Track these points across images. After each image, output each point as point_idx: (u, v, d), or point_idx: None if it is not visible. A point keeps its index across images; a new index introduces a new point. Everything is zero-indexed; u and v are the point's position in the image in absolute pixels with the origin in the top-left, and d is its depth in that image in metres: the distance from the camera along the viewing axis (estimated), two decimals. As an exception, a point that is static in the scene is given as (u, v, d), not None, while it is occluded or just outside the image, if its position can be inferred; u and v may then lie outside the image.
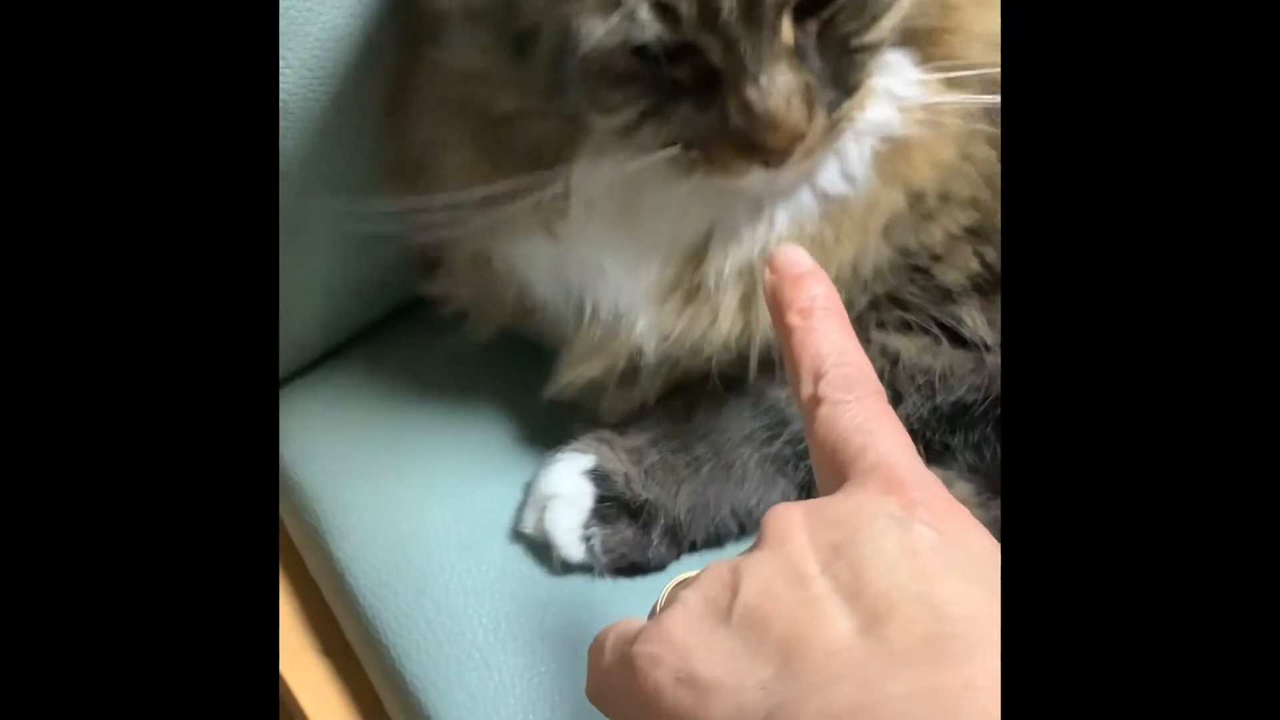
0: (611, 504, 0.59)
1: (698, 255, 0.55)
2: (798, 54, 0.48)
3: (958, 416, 0.58)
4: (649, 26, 0.46)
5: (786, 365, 0.42)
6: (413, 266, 0.64)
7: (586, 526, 0.59)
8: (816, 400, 0.40)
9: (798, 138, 0.48)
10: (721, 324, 0.55)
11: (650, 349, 0.56)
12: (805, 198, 0.54)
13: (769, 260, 0.44)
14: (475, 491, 0.62)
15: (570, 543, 0.58)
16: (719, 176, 0.50)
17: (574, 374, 0.59)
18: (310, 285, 0.63)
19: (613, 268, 0.56)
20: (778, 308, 0.43)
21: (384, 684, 0.61)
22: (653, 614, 0.41)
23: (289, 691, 0.63)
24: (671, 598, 0.38)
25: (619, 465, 0.59)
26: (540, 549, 0.60)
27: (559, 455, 0.60)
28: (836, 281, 0.53)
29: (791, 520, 0.37)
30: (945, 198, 0.56)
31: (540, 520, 0.59)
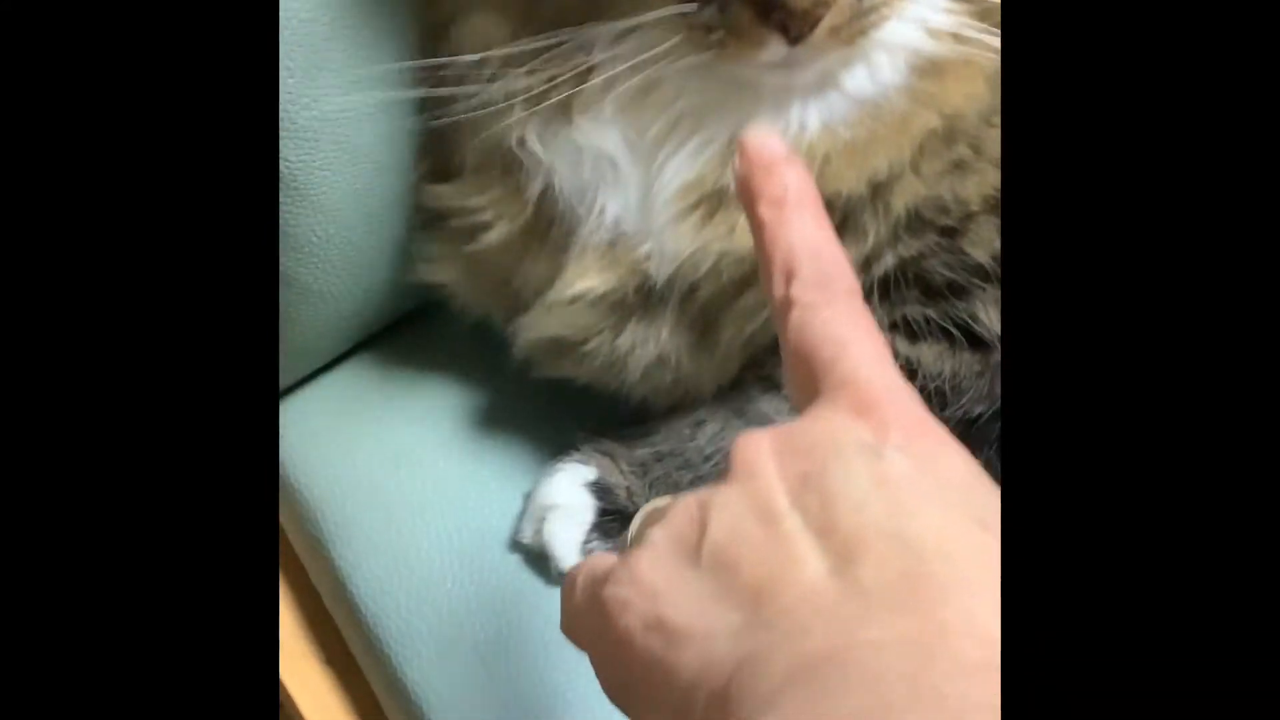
0: (614, 517, 0.59)
1: (716, 159, 0.52)
2: None
3: (964, 431, 0.57)
4: None
5: (759, 262, 0.40)
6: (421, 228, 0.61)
7: (587, 540, 0.58)
8: (788, 302, 0.38)
9: (822, 4, 0.45)
10: (739, 236, 0.52)
11: (662, 270, 0.54)
12: (835, 99, 0.51)
13: (739, 144, 0.40)
14: (477, 501, 0.62)
15: (569, 554, 0.58)
16: (735, 49, 0.47)
17: (580, 285, 0.55)
18: (318, 288, 0.63)
19: (627, 165, 0.53)
20: (748, 198, 0.39)
21: (385, 692, 0.61)
22: (624, 547, 0.40)
23: (290, 699, 0.63)
24: (640, 535, 0.37)
25: (621, 479, 0.59)
26: (540, 559, 0.60)
27: (560, 465, 0.60)
28: (868, 206, 0.52)
29: (760, 449, 0.35)
30: (978, 149, 0.53)
31: (539, 531, 0.59)
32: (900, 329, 0.57)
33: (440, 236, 0.59)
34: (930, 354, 0.57)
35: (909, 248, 0.54)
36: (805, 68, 0.49)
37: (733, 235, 0.52)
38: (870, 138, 0.51)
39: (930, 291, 0.56)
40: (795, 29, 0.46)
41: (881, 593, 0.31)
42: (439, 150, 0.58)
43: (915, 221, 0.54)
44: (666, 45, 0.48)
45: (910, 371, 0.57)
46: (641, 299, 0.55)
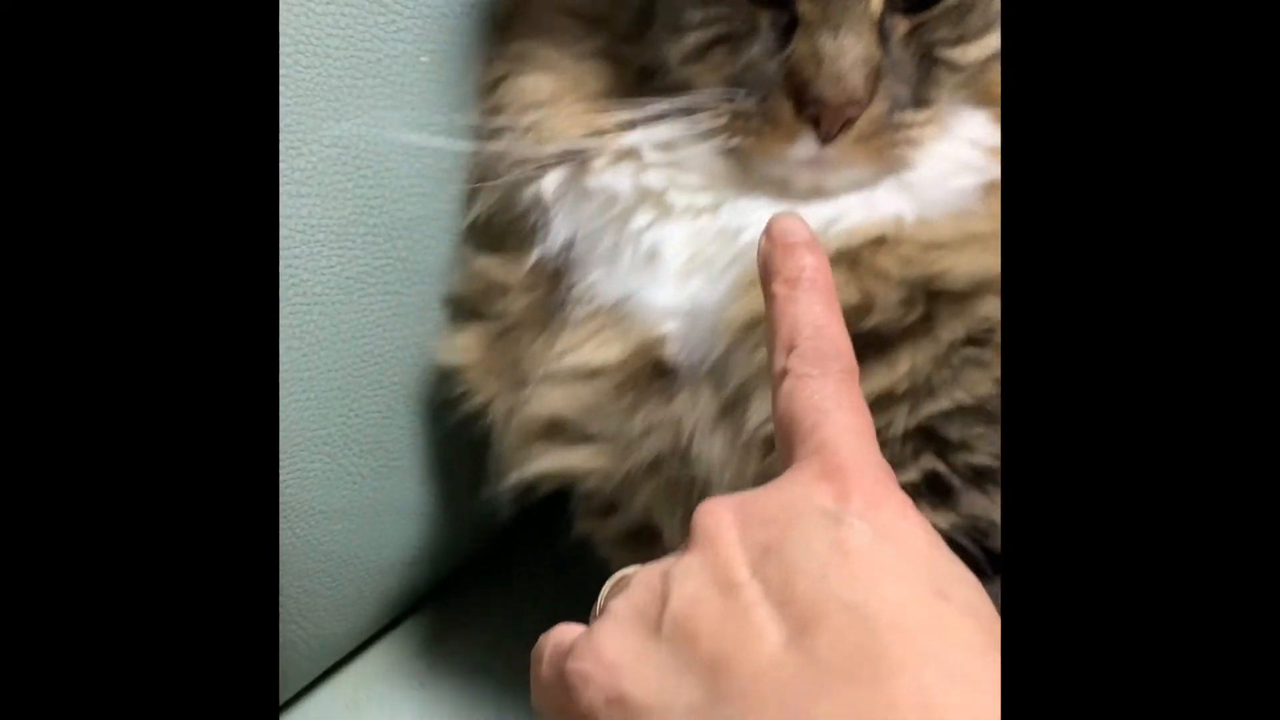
0: None
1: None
2: (880, 33, 0.48)
3: None
4: None
5: (766, 339, 0.41)
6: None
7: None
8: (783, 373, 0.39)
9: (855, 104, 0.48)
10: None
11: (696, 342, 0.52)
12: (914, 197, 0.51)
13: (766, 227, 0.42)
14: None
15: None
16: (770, 140, 0.49)
17: (582, 356, 0.53)
18: (410, 501, 0.63)
19: (649, 226, 0.52)
20: (766, 275, 0.42)
21: None
22: (593, 617, 0.40)
23: None
24: (604, 605, 0.38)
25: None
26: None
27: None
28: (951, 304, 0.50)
29: (721, 519, 0.36)
30: None
31: None
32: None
33: (467, 323, 0.59)
34: None
35: (950, 394, 0.51)
36: (835, 171, 0.50)
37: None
38: (962, 240, 0.51)
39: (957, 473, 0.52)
40: (827, 125, 0.48)
41: (836, 665, 0.31)
42: (482, 231, 0.58)
43: (954, 360, 0.51)
44: (708, 127, 0.50)
45: None
46: (657, 377, 0.53)
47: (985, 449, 0.51)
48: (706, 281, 0.52)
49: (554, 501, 0.59)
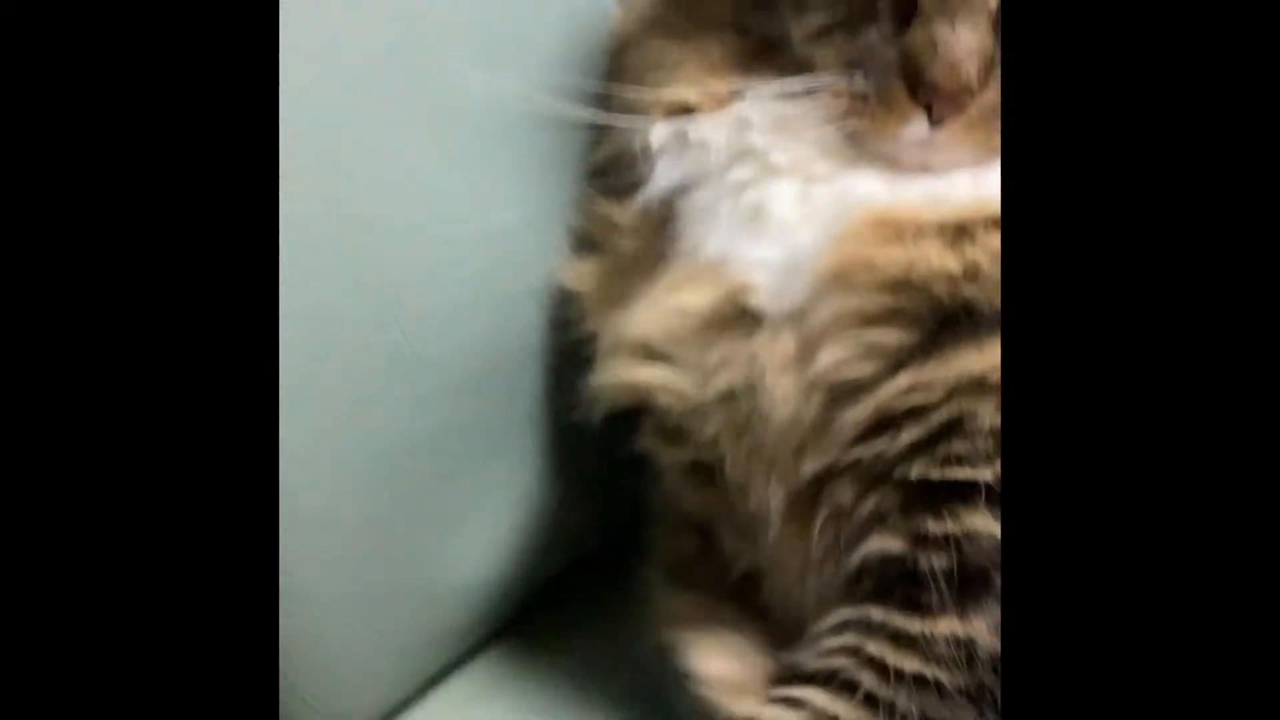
0: None
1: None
2: (996, 26, 0.50)
3: None
4: None
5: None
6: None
7: None
8: None
9: (967, 91, 0.50)
10: (923, 251, 0.50)
11: (791, 282, 0.52)
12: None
13: None
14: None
15: None
16: (883, 121, 0.51)
17: (680, 298, 0.55)
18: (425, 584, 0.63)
19: (755, 175, 0.54)
20: None
21: None
22: None
23: None
24: None
25: None
26: None
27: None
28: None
29: None
30: None
31: None
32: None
33: (587, 255, 0.62)
34: (985, 626, 0.51)
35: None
36: (943, 152, 0.52)
37: (908, 258, 0.51)
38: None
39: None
40: (939, 111, 0.50)
41: None
42: (600, 174, 0.62)
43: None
44: (827, 106, 0.53)
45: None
46: (740, 317, 0.54)
47: None
48: (811, 235, 0.53)
49: (568, 585, 0.63)
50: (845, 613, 0.53)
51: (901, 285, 0.51)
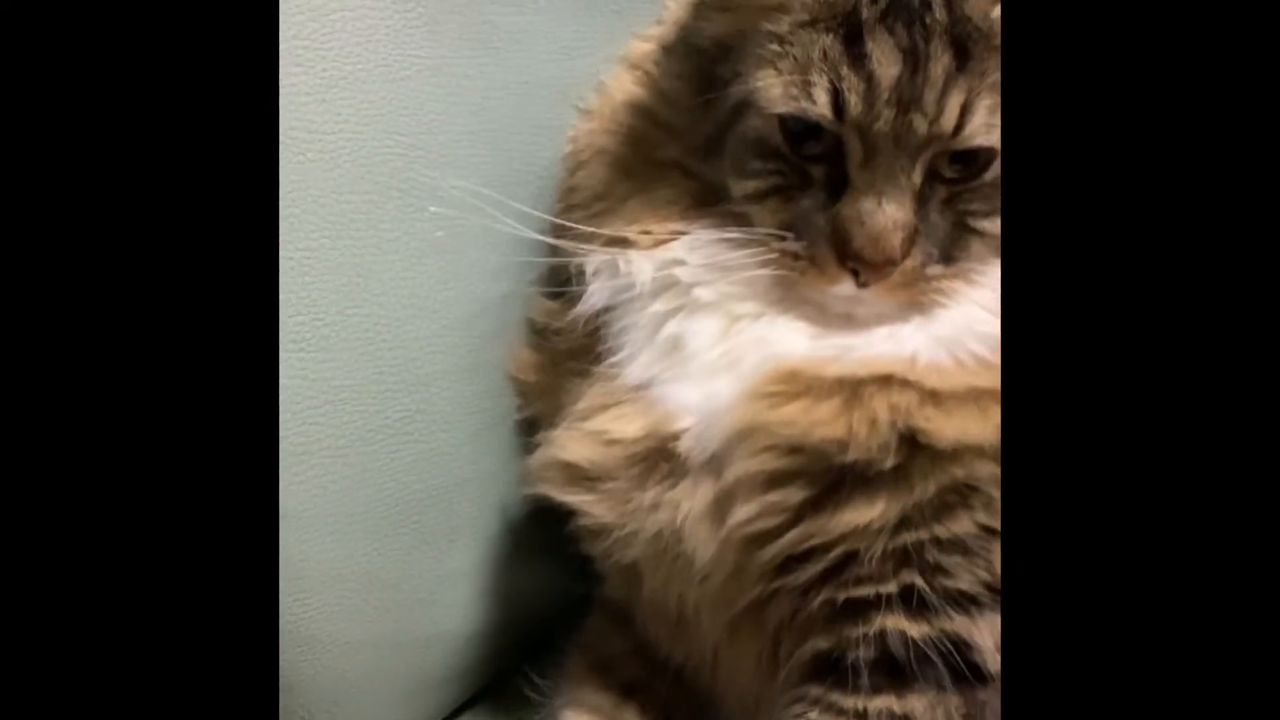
0: None
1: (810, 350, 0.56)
2: (919, 200, 0.54)
3: None
4: (820, 107, 0.53)
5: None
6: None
7: None
8: None
9: (890, 263, 0.54)
10: (818, 415, 0.55)
11: (708, 436, 0.56)
12: (936, 341, 0.56)
13: None
14: None
15: None
16: (813, 278, 0.55)
17: (603, 423, 0.59)
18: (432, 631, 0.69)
19: (684, 327, 0.58)
20: None
21: None
22: None
23: None
24: None
25: None
26: None
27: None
28: (928, 464, 0.54)
29: None
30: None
31: None
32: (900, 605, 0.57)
33: (534, 344, 0.67)
34: (920, 705, 0.56)
35: (934, 524, 0.56)
36: (868, 305, 0.56)
37: (802, 423, 0.55)
38: (962, 397, 0.55)
39: (935, 593, 0.56)
40: (864, 276, 0.55)
41: None
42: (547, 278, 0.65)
43: (943, 499, 0.55)
44: (760, 257, 0.56)
45: None
46: (667, 459, 0.58)
47: (965, 576, 0.56)
48: (727, 382, 0.57)
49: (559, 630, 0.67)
50: (790, 695, 0.59)
51: (797, 449, 0.55)
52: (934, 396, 0.54)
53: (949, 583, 0.56)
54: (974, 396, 0.54)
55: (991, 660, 0.56)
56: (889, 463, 0.54)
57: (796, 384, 0.55)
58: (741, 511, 0.56)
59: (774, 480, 0.56)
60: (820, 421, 0.54)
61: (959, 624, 0.56)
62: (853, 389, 0.55)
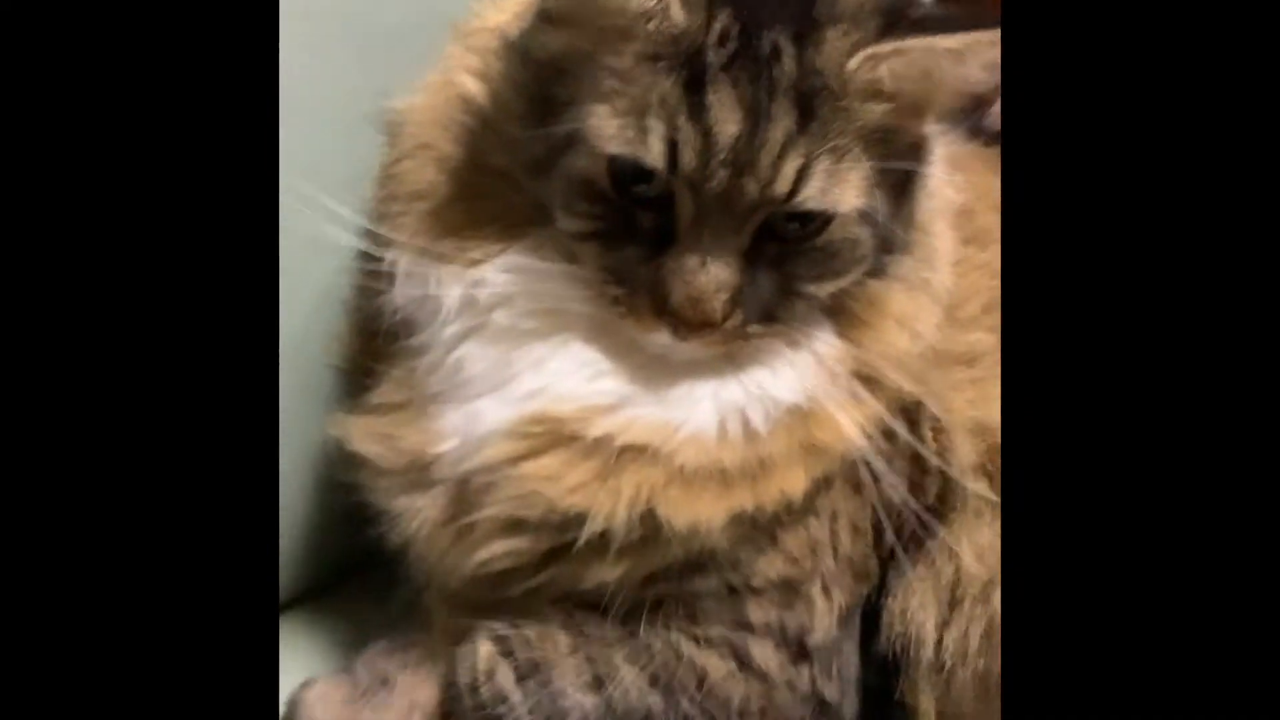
0: None
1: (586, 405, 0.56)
2: (747, 259, 0.53)
3: None
4: (653, 156, 0.50)
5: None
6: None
7: None
8: None
9: (709, 325, 0.53)
10: (567, 480, 0.56)
11: (462, 462, 0.57)
12: (747, 398, 0.56)
13: None
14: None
15: None
16: (631, 324, 0.54)
17: (378, 424, 0.60)
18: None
19: (486, 369, 0.57)
20: None
21: None
22: None
23: None
24: None
25: None
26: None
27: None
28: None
29: None
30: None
31: None
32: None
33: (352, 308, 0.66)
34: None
35: (692, 586, 0.59)
36: (683, 353, 0.55)
37: (552, 484, 0.56)
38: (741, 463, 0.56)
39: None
40: (681, 333, 0.54)
41: None
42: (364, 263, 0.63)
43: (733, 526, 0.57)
44: (580, 291, 0.55)
45: (699, 679, 0.59)
46: (422, 471, 0.59)
47: (715, 625, 0.59)
48: (492, 410, 0.57)
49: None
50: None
51: (542, 505, 0.56)
52: (680, 475, 0.55)
53: (699, 630, 0.58)
54: (719, 477, 0.56)
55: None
56: (633, 535, 0.56)
57: (557, 434, 0.56)
58: (484, 552, 0.58)
59: (518, 526, 0.57)
60: (570, 488, 0.56)
61: (709, 661, 0.58)
62: (606, 458, 0.56)
